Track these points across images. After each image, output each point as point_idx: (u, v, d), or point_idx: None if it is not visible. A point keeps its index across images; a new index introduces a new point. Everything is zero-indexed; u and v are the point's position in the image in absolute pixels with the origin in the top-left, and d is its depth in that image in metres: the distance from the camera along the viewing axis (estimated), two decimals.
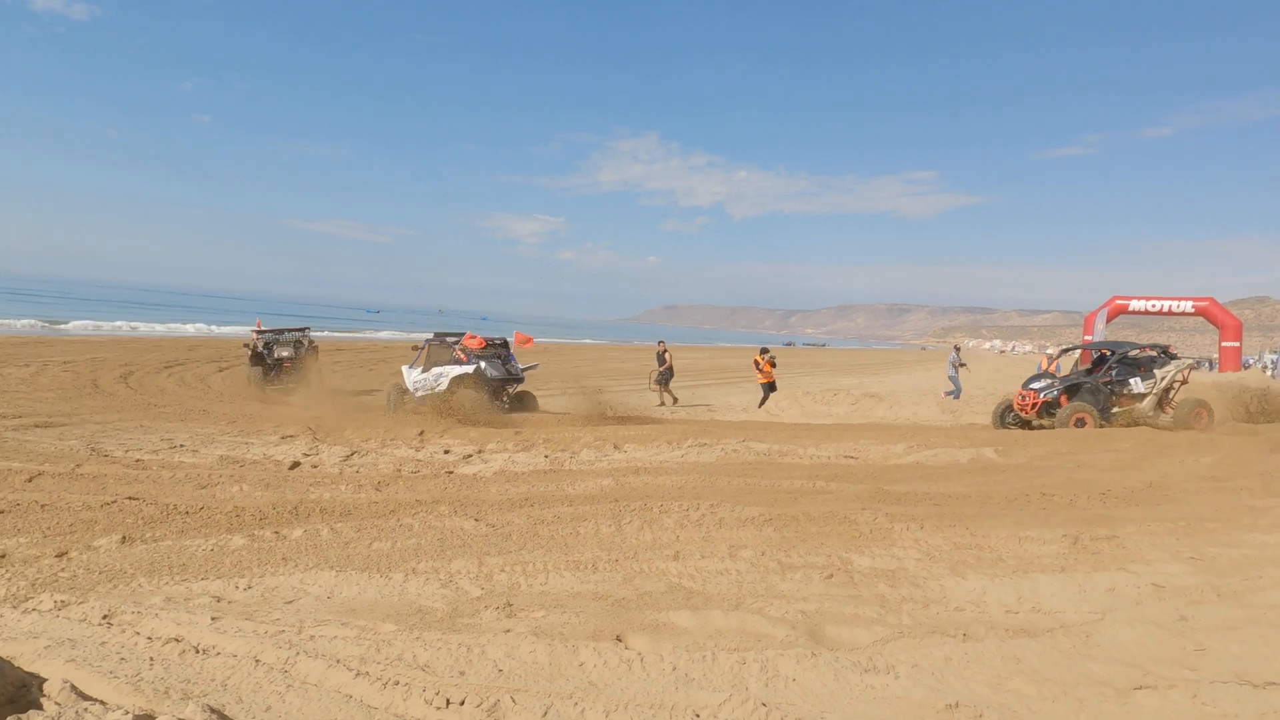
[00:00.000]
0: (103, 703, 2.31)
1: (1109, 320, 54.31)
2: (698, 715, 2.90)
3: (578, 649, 3.44)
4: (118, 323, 50.57)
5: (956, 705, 3.04)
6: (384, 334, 64.89)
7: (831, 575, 4.80)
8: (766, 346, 21.17)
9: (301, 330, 20.73)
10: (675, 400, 19.06)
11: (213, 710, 1.76)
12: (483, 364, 14.06)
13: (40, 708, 2.18)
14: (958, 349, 22.60)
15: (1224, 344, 52.23)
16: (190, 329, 49.37)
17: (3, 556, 5.18)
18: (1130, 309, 55.93)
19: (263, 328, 20.73)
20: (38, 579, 4.68)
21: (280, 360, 18.88)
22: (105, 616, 3.85)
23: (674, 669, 3.29)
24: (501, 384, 14.36)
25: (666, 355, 19.07)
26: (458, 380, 13.75)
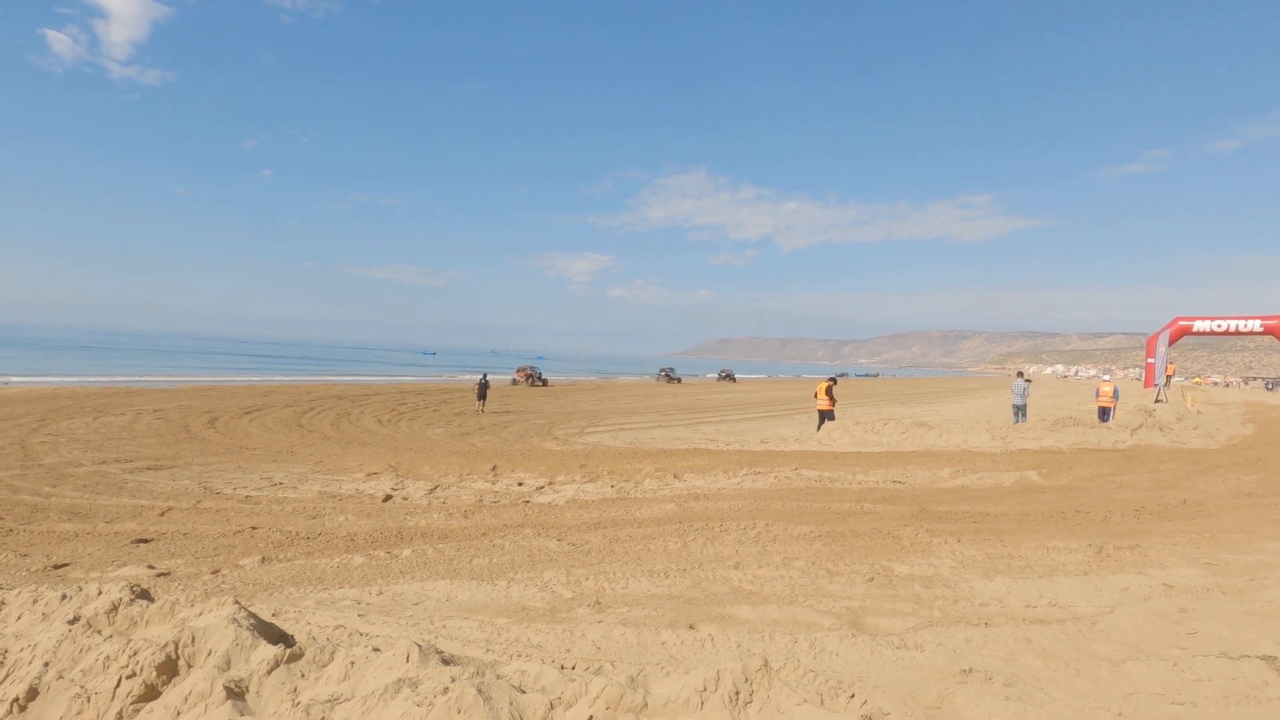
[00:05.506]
0: (349, 644, 3.18)
1: (1172, 342, 53.23)
2: None
3: (659, 632, 4.22)
4: (196, 374, 53.35)
5: (970, 670, 3.73)
6: (443, 377, 66.83)
7: (873, 579, 5.49)
8: (835, 377, 22.25)
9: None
10: (482, 411, 28.41)
11: (431, 644, 2.56)
12: None
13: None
14: (1021, 374, 22.52)
15: None
16: (270, 378, 51.79)
17: (169, 574, 6.21)
18: (1195, 330, 54.70)
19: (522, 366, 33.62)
20: (206, 589, 5.67)
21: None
22: (273, 615, 4.77)
23: (738, 646, 4.05)
24: None
25: (485, 379, 30.49)
26: None
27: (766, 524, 7.30)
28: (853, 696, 3.47)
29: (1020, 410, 21.08)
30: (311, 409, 25.94)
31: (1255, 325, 52.38)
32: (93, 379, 40.59)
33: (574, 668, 3.70)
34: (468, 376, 61.43)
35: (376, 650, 2.61)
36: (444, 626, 4.45)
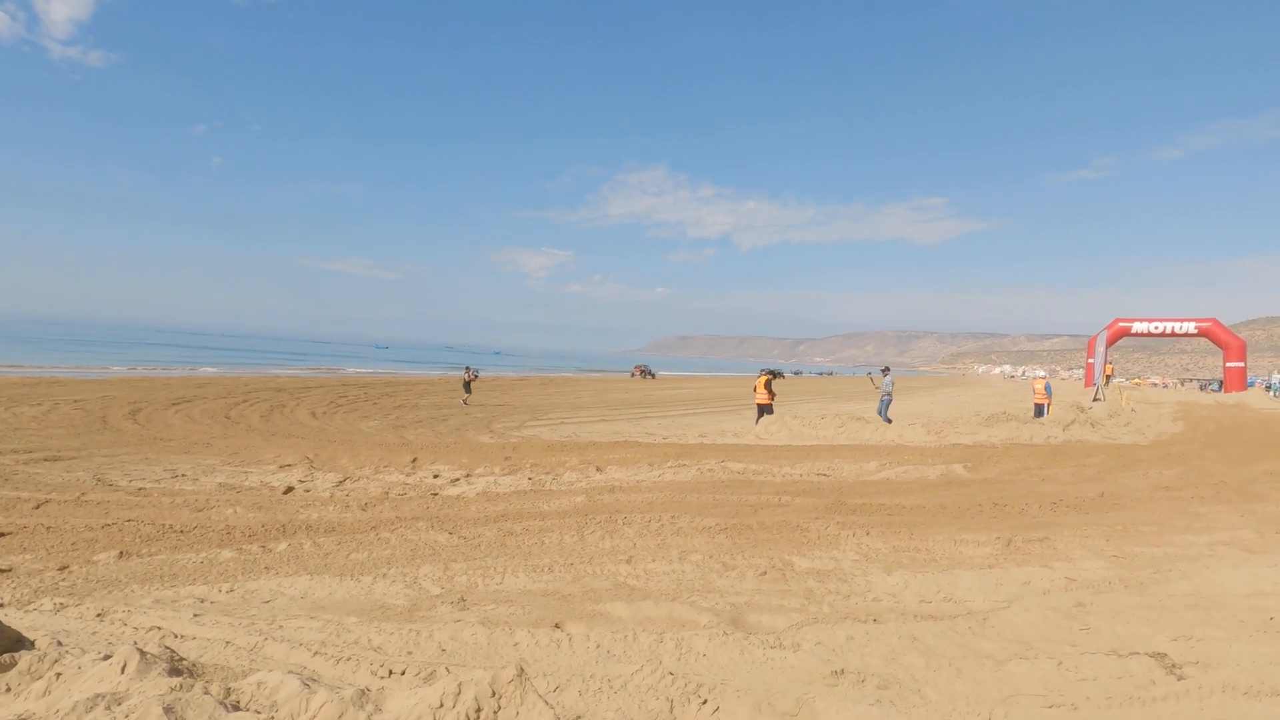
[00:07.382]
0: (82, 649, 2.74)
1: (1110, 343, 54.39)
2: (611, 682, 3.30)
3: (514, 632, 3.85)
4: (130, 365, 51.43)
5: (842, 672, 3.43)
6: (392, 369, 65.77)
7: (766, 573, 5.19)
8: (774, 370, 21.38)
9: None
10: (466, 402, 29.13)
11: (168, 648, 2.16)
12: None
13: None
14: (887, 370, 21.14)
15: (1228, 364, 52.29)
16: (208, 369, 50.15)
17: (9, 570, 5.64)
18: (1133, 331, 56.00)
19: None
20: (40, 587, 5.14)
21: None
22: (99, 614, 4.29)
23: (598, 647, 3.69)
24: None
25: (469, 374, 31.45)
26: None
27: (672, 516, 6.97)
28: (705, 702, 3.13)
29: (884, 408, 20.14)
30: (244, 401, 24.97)
31: (1190, 327, 53.85)
32: (18, 369, 38.77)
33: (403, 673, 3.31)
34: (420, 371, 60.89)
35: (107, 658, 2.20)
36: (281, 627, 4.02)
